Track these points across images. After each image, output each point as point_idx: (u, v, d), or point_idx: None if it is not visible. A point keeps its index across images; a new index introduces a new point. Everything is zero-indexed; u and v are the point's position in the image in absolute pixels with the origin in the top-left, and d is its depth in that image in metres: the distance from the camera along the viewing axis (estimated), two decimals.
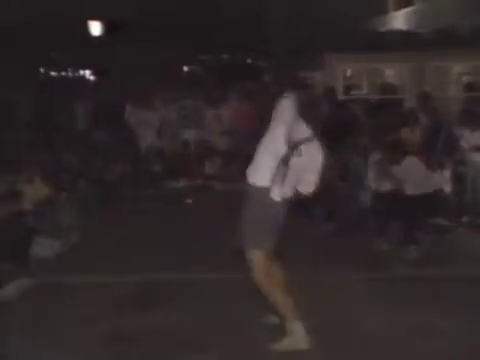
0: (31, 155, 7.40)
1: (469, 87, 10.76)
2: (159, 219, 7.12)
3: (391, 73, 11.22)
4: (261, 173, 3.47)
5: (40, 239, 5.88)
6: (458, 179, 7.05)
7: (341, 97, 10.24)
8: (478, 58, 10.24)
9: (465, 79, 10.89)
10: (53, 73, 18.36)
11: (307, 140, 3.49)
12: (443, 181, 6.80)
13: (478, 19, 9.83)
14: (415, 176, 6.04)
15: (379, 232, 6.00)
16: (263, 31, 13.38)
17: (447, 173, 6.91)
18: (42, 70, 16.82)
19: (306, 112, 3.51)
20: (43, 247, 5.83)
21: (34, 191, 6.55)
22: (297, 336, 3.58)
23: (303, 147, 3.45)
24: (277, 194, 3.43)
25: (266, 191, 3.44)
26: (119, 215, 7.36)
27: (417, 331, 3.88)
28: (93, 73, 20.01)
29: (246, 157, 9.96)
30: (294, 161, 3.41)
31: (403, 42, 9.84)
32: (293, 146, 3.39)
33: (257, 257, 3.58)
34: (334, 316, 4.06)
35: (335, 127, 8.14)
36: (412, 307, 4.30)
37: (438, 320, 4.02)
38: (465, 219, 6.78)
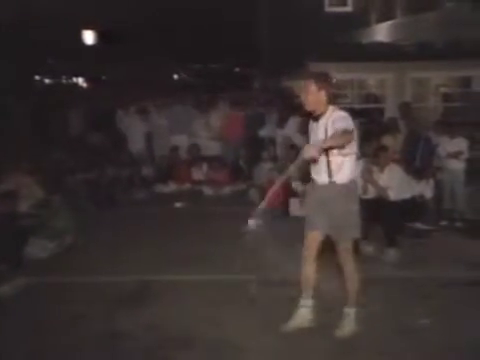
0: (26, 158, 7.45)
1: (446, 98, 11.11)
2: (150, 222, 7.27)
3: (373, 83, 11.50)
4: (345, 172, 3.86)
5: (34, 240, 5.98)
6: (436, 185, 7.33)
7: None
8: (455, 70, 10.60)
9: (443, 90, 11.22)
10: (48, 80, 18.37)
11: None
12: (425, 188, 7.08)
13: (455, 33, 10.17)
14: (397, 183, 6.30)
15: (362, 235, 6.23)
16: (251, 41, 13.60)
17: (431, 181, 7.19)
18: (37, 77, 16.85)
19: None
20: (37, 248, 5.93)
21: (28, 193, 6.66)
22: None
23: None
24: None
25: (352, 185, 3.91)
26: (111, 217, 7.47)
27: (397, 329, 4.04)
28: (86, 80, 20.07)
29: (234, 162, 10.23)
30: None
31: (385, 54, 10.10)
32: None
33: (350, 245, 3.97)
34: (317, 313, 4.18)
35: None
36: (393, 306, 4.47)
37: (417, 319, 4.19)
38: (443, 223, 7.05)
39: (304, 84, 3.83)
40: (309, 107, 3.87)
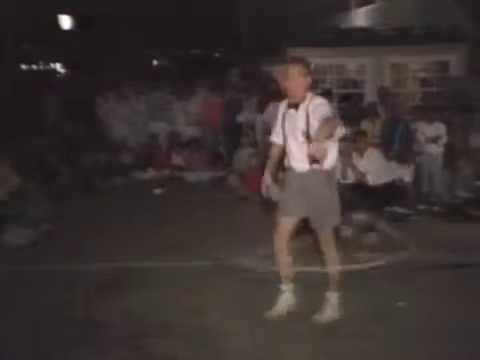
0: (1, 145, 7.34)
1: (424, 82, 11.19)
2: (129, 208, 7.22)
3: (352, 68, 11.51)
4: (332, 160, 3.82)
5: (11, 228, 5.93)
6: (415, 170, 7.42)
7: None
8: (433, 55, 10.67)
9: (421, 75, 11.30)
10: (24, 66, 18.00)
11: None
12: (404, 172, 7.16)
13: (434, 18, 10.23)
14: (376, 167, 6.35)
15: (342, 219, 6.27)
16: (230, 26, 13.49)
17: (411, 165, 7.26)
18: (14, 63, 16.51)
19: None
20: (14, 236, 5.87)
21: (4, 181, 6.56)
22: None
23: None
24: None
25: (333, 172, 3.89)
26: (90, 204, 7.40)
27: (376, 313, 4.07)
28: (64, 66, 19.73)
29: (214, 148, 10.19)
30: None
31: (364, 38, 10.12)
32: None
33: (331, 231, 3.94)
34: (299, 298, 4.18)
35: None
36: (372, 290, 4.49)
37: (396, 302, 4.23)
38: (421, 207, 7.12)
39: (288, 70, 3.72)
40: (294, 94, 3.76)
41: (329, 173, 3.82)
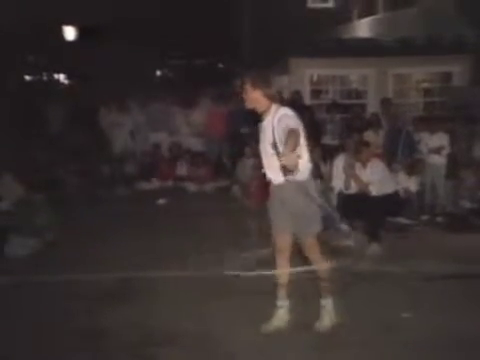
0: (5, 155, 7.37)
1: (427, 93, 11.21)
2: (132, 219, 7.23)
3: (355, 79, 11.54)
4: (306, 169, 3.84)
5: (14, 238, 5.94)
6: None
7: (308, 101, 10.51)
8: (436, 66, 10.71)
9: (423, 85, 11.32)
10: (28, 77, 18.13)
11: None
12: (412, 183, 7.17)
13: (437, 28, 10.27)
14: (379, 178, 6.34)
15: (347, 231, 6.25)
16: (233, 37, 13.58)
17: (419, 176, 7.28)
18: (17, 74, 16.66)
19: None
20: (18, 246, 5.88)
21: (8, 191, 6.58)
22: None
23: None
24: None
25: (308, 181, 3.88)
26: (93, 215, 7.41)
27: (380, 323, 4.07)
28: (68, 77, 19.88)
29: (217, 159, 10.19)
30: None
31: (366, 49, 10.15)
32: None
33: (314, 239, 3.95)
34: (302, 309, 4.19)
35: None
36: (375, 300, 4.49)
37: (400, 313, 4.23)
38: (424, 218, 7.13)
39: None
40: (248, 105, 3.92)
41: (302, 182, 3.83)
